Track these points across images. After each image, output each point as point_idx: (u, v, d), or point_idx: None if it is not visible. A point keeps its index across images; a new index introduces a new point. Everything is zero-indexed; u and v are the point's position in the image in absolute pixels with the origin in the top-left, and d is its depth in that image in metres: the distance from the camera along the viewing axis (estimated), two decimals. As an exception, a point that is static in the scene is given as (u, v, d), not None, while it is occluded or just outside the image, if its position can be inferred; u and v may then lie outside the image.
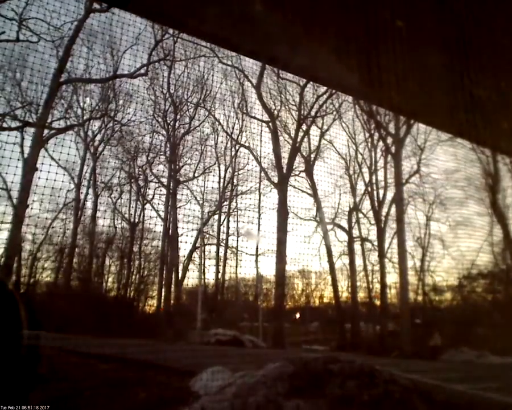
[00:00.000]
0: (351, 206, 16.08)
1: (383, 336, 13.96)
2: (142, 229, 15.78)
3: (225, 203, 16.51)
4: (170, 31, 13.57)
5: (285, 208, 14.27)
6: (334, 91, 14.00)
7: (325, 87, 14.03)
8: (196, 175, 15.47)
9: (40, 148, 11.68)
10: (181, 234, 14.84)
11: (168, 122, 15.63)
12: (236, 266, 16.05)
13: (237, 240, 16.10)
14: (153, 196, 15.57)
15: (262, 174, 15.73)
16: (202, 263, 15.16)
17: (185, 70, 15.62)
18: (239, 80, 15.86)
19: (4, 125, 11.01)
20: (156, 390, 6.68)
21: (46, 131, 12.32)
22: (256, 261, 15.02)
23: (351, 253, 15.65)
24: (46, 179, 10.50)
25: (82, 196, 14.35)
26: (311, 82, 14.05)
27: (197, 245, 15.27)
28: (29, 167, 10.80)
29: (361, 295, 15.74)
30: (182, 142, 15.72)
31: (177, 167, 15.46)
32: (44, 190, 10.67)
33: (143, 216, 15.72)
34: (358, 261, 15.87)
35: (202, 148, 15.77)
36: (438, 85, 1.57)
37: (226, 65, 15.69)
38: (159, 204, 15.60)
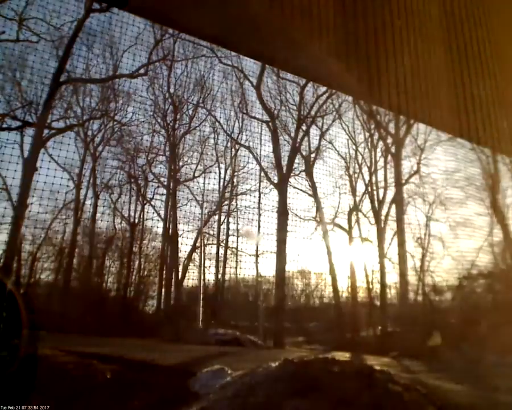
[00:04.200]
0: (351, 206, 16.08)
1: (383, 336, 13.97)
2: (142, 229, 15.77)
3: (225, 203, 16.51)
4: (170, 31, 13.60)
5: (285, 208, 14.27)
6: (334, 91, 14.01)
7: (325, 87, 14.03)
8: (196, 175, 15.48)
9: (40, 148, 11.68)
10: (181, 234, 14.86)
11: (168, 122, 15.64)
12: (236, 266, 16.06)
13: (237, 240, 16.10)
14: (153, 196, 15.57)
15: (262, 174, 15.73)
16: (202, 263, 15.16)
17: (185, 70, 15.64)
18: (239, 80, 15.88)
19: (4, 125, 11.00)
20: (156, 390, 6.68)
21: (46, 131, 12.33)
22: (256, 261, 15.03)
23: (351, 252, 15.66)
24: (46, 179, 10.54)
25: (82, 196, 14.34)
26: (311, 82, 14.07)
27: (197, 245, 15.28)
28: (29, 167, 10.79)
29: (361, 295, 15.76)
30: (182, 142, 15.74)
31: (177, 167, 15.46)
32: (44, 190, 10.69)
33: (143, 216, 15.72)
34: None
35: (202, 148, 15.78)
36: (438, 85, 1.57)
37: (226, 65, 15.71)
38: (159, 206, 15.59)
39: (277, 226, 14.06)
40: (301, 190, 15.39)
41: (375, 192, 16.35)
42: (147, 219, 15.69)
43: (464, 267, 14.30)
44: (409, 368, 9.70)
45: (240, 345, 12.17)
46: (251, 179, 15.85)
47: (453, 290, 14.74)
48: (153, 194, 15.57)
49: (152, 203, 15.58)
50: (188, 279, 15.09)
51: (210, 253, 16.03)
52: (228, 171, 16.24)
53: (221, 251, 16.27)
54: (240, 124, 16.14)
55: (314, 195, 15.32)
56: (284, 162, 15.08)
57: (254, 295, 16.29)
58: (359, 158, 16.86)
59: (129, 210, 15.36)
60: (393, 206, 15.82)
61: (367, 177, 16.65)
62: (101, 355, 8.23)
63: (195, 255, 15.38)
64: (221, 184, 16.05)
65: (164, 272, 15.27)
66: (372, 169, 16.65)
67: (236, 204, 16.31)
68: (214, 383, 6.69)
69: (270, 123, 15.44)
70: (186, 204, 15.20)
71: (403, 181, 15.73)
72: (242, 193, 16.14)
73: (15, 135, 11.32)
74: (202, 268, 15.03)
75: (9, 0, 11.09)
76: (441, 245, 15.23)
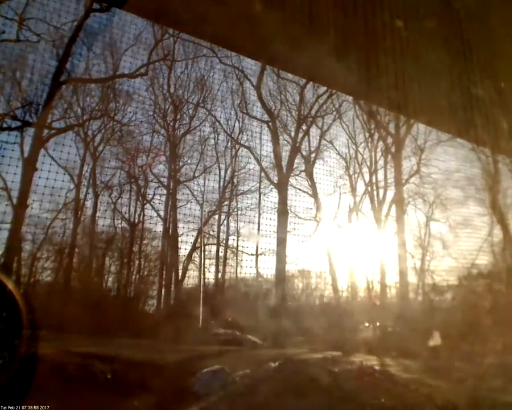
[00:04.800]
0: (351, 206, 16.09)
1: (383, 336, 13.96)
2: (142, 229, 15.76)
3: (225, 203, 16.51)
4: (170, 31, 13.59)
5: (285, 208, 14.27)
6: (334, 91, 14.01)
7: (325, 87, 14.02)
8: (196, 175, 15.48)
9: (40, 148, 11.67)
10: (181, 234, 14.85)
11: (168, 122, 15.63)
12: (236, 266, 16.06)
13: (237, 240, 16.09)
14: (153, 196, 15.56)
15: (262, 174, 15.73)
16: (202, 263, 15.16)
17: (185, 70, 15.64)
18: (239, 80, 15.87)
19: (4, 125, 11.00)
20: (156, 390, 6.68)
21: (46, 131, 12.32)
22: (256, 261, 15.03)
23: (351, 253, 15.65)
24: (47, 179, 10.53)
25: (82, 196, 14.34)
26: (311, 82, 14.06)
27: (197, 245, 15.27)
28: (29, 167, 10.79)
29: (361, 295, 15.76)
30: (182, 142, 15.73)
31: (177, 167, 15.46)
32: (44, 190, 10.68)
33: (143, 216, 15.71)
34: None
35: (202, 148, 15.78)
36: (438, 85, 1.57)
37: (226, 65, 15.70)
38: (159, 203, 15.59)
39: (277, 226, 14.06)
40: (301, 190, 15.40)
41: (375, 192, 16.36)
42: (147, 219, 15.69)
43: (464, 267, 14.31)
44: (410, 368, 9.70)
45: (240, 345, 12.17)
46: (251, 179, 15.86)
47: (453, 290, 14.74)
48: (153, 194, 15.58)
49: (152, 203, 15.58)
50: (188, 279, 15.10)
51: (210, 253, 16.04)
52: (228, 171, 16.24)
53: (221, 251, 16.27)
54: (241, 124, 16.15)
55: (314, 195, 15.32)
56: (284, 162, 15.09)
57: (253, 295, 16.29)
58: (359, 158, 16.88)
59: (129, 210, 15.37)
60: (393, 206, 15.83)
61: (367, 177, 16.67)
62: (101, 355, 8.23)
63: (196, 255, 15.39)
64: (221, 184, 16.05)
65: (164, 272, 15.27)
66: (372, 169, 16.66)
67: (236, 204, 16.32)
68: (214, 383, 6.69)
69: (270, 123, 15.44)
70: (186, 204, 15.21)
71: (403, 181, 15.73)
72: (242, 193, 16.15)
73: (15, 135, 11.31)
74: (202, 268, 15.04)
75: (9, 0, 11.09)
76: (441, 245, 15.25)
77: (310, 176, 15.43)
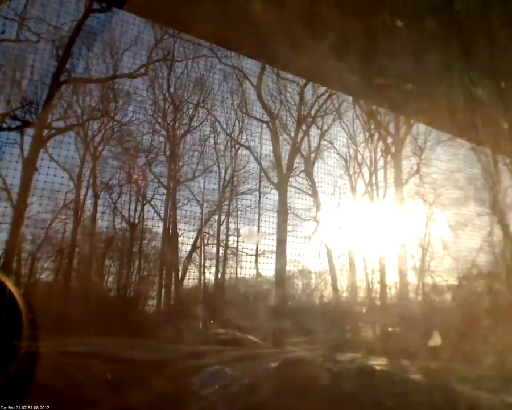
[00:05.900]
0: (351, 207, 16.10)
1: (383, 336, 13.96)
2: (142, 229, 15.76)
3: (225, 203, 16.51)
4: (170, 31, 13.60)
5: (285, 208, 14.27)
6: (334, 91, 14.00)
7: (325, 87, 14.01)
8: (196, 175, 15.47)
9: (40, 148, 11.67)
10: (181, 234, 14.85)
11: (168, 122, 15.63)
12: (236, 266, 16.06)
13: (237, 240, 16.09)
14: (153, 196, 15.55)
15: (262, 174, 15.73)
16: (202, 263, 15.16)
17: (185, 70, 15.64)
18: (239, 80, 15.87)
19: (4, 125, 10.99)
20: (156, 390, 6.68)
21: (46, 131, 12.33)
22: (256, 261, 15.02)
23: (351, 253, 15.66)
24: (46, 179, 10.53)
25: (82, 196, 14.33)
26: (311, 82, 14.05)
27: (197, 245, 15.27)
28: (29, 167, 10.79)
29: (361, 295, 15.76)
30: (182, 142, 15.73)
31: (177, 167, 15.46)
32: (44, 190, 10.68)
33: (143, 216, 15.71)
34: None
35: (202, 148, 15.77)
36: (438, 85, 1.57)
37: (226, 65, 15.70)
38: (158, 205, 15.59)
39: (277, 226, 14.06)
40: (301, 190, 15.41)
41: (375, 192, 16.38)
42: (147, 219, 15.69)
43: (464, 267, 14.31)
44: (409, 368, 9.71)
45: (240, 345, 12.17)
46: (251, 179, 15.87)
47: (453, 290, 14.74)
48: (153, 194, 15.57)
49: (152, 202, 15.58)
50: (188, 279, 15.09)
51: (211, 253, 16.04)
52: (228, 171, 16.24)
53: (221, 251, 16.27)
54: (240, 124, 16.15)
55: (314, 195, 15.33)
56: (284, 162, 15.09)
57: (254, 295, 16.29)
58: (359, 158, 16.90)
59: (129, 210, 15.36)
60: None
61: (367, 177, 16.68)
62: (101, 355, 8.23)
63: (196, 255, 15.39)
64: (221, 184, 16.05)
65: (164, 272, 15.27)
66: (372, 169, 16.66)
67: (236, 204, 16.32)
68: (214, 383, 6.69)
69: (270, 123, 15.44)
70: (186, 204, 15.21)
71: (403, 181, 15.73)
72: (242, 193, 16.16)
73: (15, 135, 11.31)
74: (202, 268, 15.04)
75: (9, 0, 11.09)
76: (441, 245, 15.25)
77: (310, 176, 15.44)
